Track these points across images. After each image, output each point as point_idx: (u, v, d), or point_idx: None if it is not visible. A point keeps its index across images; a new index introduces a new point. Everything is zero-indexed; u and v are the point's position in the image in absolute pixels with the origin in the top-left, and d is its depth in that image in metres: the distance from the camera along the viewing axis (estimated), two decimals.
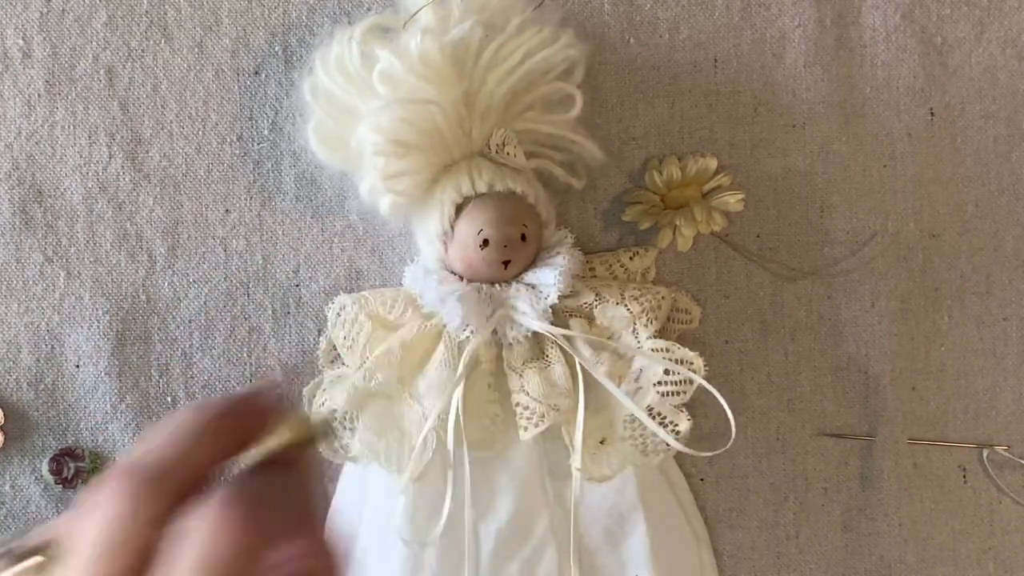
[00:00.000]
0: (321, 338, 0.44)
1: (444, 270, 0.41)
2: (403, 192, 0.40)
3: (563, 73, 0.42)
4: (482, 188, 0.40)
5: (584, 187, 0.44)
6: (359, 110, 0.40)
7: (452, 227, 0.40)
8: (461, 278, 0.41)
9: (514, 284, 0.42)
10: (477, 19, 0.40)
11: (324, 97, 0.42)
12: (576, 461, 0.41)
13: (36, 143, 0.44)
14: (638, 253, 0.45)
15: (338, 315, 0.43)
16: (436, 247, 0.41)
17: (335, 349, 0.43)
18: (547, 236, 0.42)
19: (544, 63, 0.41)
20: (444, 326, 0.41)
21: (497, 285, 0.42)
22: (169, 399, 0.44)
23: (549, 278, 0.41)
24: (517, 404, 0.42)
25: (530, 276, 0.42)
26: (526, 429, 0.41)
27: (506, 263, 0.41)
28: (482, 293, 0.41)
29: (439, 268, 0.41)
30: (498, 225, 0.40)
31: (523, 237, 0.41)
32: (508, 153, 0.41)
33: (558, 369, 0.42)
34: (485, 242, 0.40)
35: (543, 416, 0.41)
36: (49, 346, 0.44)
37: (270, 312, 0.44)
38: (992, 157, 0.47)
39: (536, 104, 0.42)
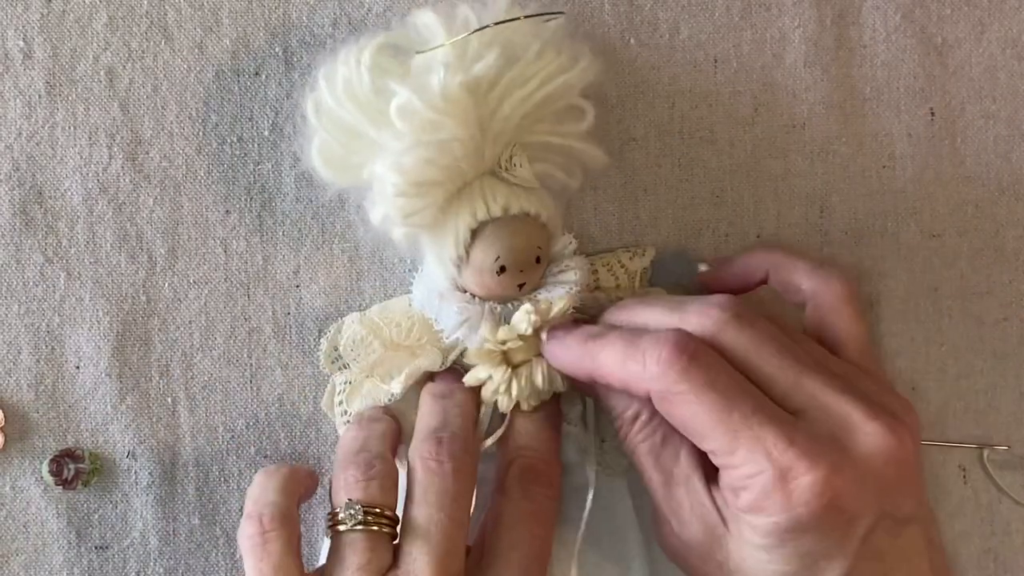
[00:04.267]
0: (322, 339, 0.44)
1: (457, 291, 0.41)
2: (418, 224, 0.39)
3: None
4: (497, 212, 0.39)
5: (583, 187, 0.44)
6: (369, 135, 0.39)
7: (468, 251, 0.40)
8: (474, 296, 0.41)
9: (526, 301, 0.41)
10: (500, 51, 0.38)
11: (329, 119, 0.40)
12: (591, 463, 0.42)
13: (36, 144, 0.44)
14: (636, 253, 0.45)
15: (348, 336, 0.43)
16: (449, 269, 0.40)
17: (336, 350, 0.43)
18: (553, 245, 0.42)
19: (563, 86, 0.40)
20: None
21: (509, 303, 0.41)
22: (169, 400, 0.44)
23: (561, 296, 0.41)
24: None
25: (543, 294, 0.41)
26: None
27: (521, 285, 0.40)
28: (496, 314, 0.41)
29: (451, 288, 0.41)
30: (515, 252, 0.39)
31: (537, 259, 0.40)
32: (516, 165, 0.40)
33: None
34: (502, 268, 0.40)
35: None
36: (49, 347, 0.44)
37: (270, 313, 0.44)
38: (992, 157, 0.47)
39: (547, 117, 0.41)
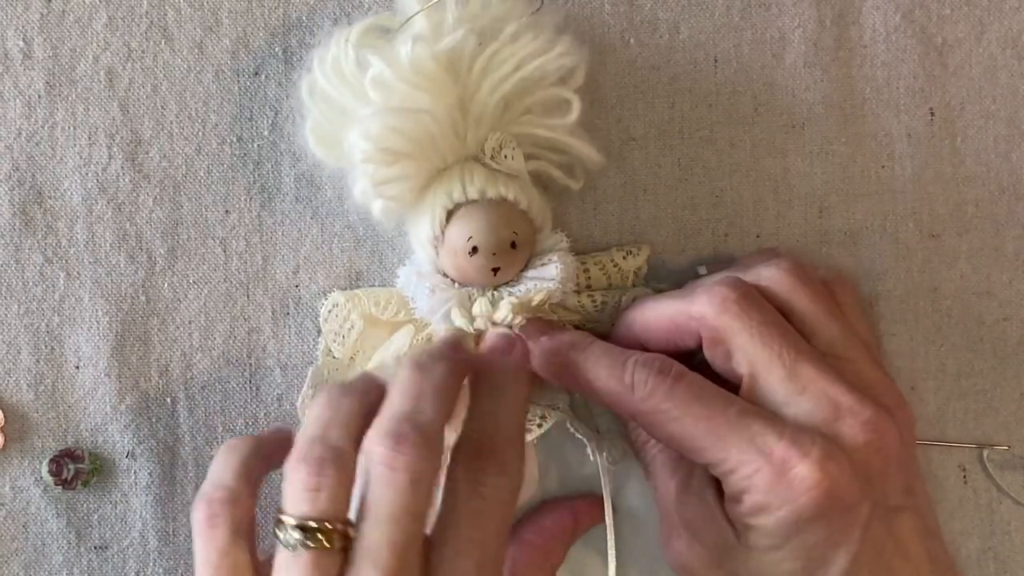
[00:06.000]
0: (320, 338, 0.44)
1: (437, 273, 0.41)
2: (394, 197, 0.40)
3: (560, 79, 0.41)
4: (473, 195, 0.40)
5: (583, 187, 0.44)
6: (354, 112, 0.40)
7: (443, 232, 0.40)
8: (454, 281, 0.41)
9: (504, 292, 0.41)
10: (471, 27, 0.40)
11: (320, 97, 0.42)
12: (591, 455, 0.42)
13: (36, 144, 0.44)
14: (631, 252, 0.44)
15: (330, 311, 0.43)
16: (428, 250, 0.41)
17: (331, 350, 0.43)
18: (540, 240, 0.42)
19: (538, 71, 0.40)
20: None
21: (489, 292, 0.41)
22: (169, 400, 0.44)
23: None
24: None
25: (523, 285, 0.41)
26: (529, 431, 0.42)
27: (495, 270, 0.40)
28: (469, 298, 0.41)
29: (432, 271, 0.41)
30: (487, 232, 0.40)
31: (513, 244, 0.40)
32: (505, 156, 0.41)
33: None
34: (474, 249, 0.40)
35: (544, 416, 0.42)
36: (49, 347, 0.44)
37: (270, 313, 0.44)
38: (992, 157, 0.47)
39: (534, 108, 0.41)
